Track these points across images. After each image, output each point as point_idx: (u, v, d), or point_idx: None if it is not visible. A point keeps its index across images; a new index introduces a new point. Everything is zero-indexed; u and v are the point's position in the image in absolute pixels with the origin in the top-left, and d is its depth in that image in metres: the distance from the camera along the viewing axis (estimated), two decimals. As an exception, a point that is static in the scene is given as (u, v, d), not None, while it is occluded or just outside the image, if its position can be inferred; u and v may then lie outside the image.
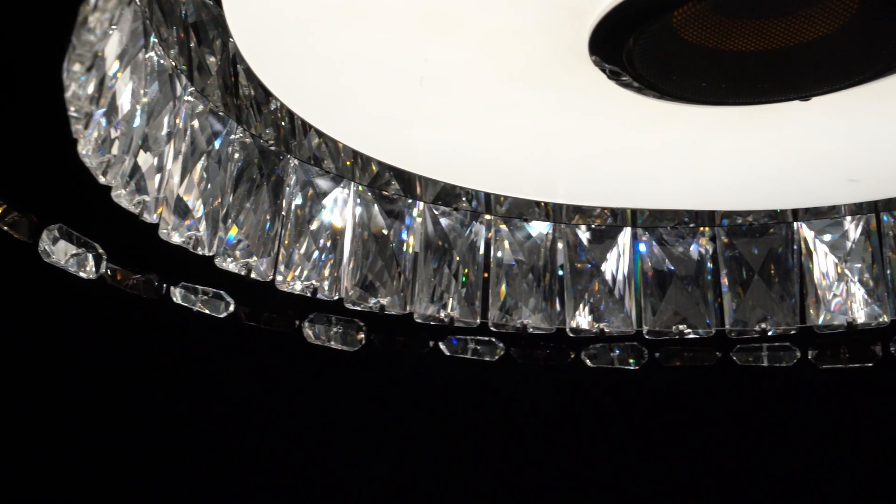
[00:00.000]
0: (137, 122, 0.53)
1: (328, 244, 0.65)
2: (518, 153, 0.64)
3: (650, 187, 0.67)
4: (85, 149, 0.49)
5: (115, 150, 0.52)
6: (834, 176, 0.64)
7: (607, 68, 0.54)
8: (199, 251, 0.57)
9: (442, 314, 0.69)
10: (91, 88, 0.50)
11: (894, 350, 0.71)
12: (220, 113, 0.57)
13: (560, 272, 0.71)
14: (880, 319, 0.68)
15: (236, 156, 0.59)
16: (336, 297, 0.66)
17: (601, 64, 0.54)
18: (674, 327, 0.71)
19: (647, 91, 0.55)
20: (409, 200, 0.68)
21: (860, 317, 0.69)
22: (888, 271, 0.68)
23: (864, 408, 0.90)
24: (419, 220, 0.69)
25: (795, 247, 0.70)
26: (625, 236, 0.73)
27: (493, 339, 0.73)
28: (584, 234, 0.73)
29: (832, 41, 0.51)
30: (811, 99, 0.54)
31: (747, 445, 0.93)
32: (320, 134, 0.64)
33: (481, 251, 0.70)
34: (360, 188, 0.66)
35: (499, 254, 0.71)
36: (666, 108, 0.59)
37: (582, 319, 0.72)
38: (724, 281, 0.71)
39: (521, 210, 0.71)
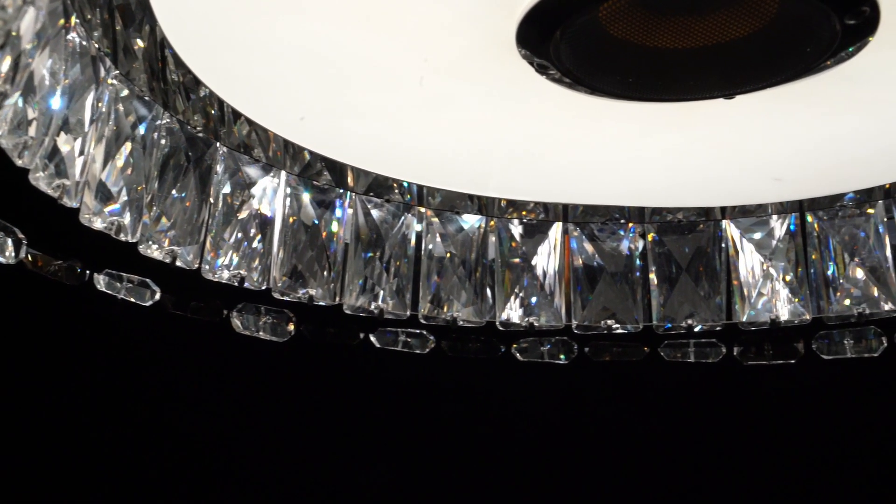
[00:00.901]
0: (58, 103, 0.52)
1: (257, 233, 0.65)
2: (450, 146, 0.65)
3: (582, 183, 0.67)
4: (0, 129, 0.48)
5: (32, 132, 0.51)
6: (760, 175, 0.65)
7: (535, 62, 0.54)
8: (122, 237, 0.56)
9: (372, 306, 0.69)
10: (5, 66, 0.48)
11: (816, 347, 0.72)
12: (146, 98, 0.56)
13: (491, 266, 0.71)
14: (803, 317, 0.69)
15: (163, 142, 0.58)
16: (264, 287, 0.66)
17: (529, 57, 0.54)
18: (602, 322, 0.72)
19: (575, 86, 0.56)
20: (341, 191, 0.68)
21: (784, 314, 0.70)
22: (811, 270, 0.69)
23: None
24: (350, 211, 0.68)
25: (723, 245, 0.71)
26: (556, 231, 0.73)
27: (425, 332, 0.73)
28: (516, 229, 0.73)
29: (754, 41, 0.52)
30: (735, 97, 0.55)
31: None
32: (251, 122, 0.63)
33: (413, 243, 0.70)
34: (290, 178, 0.66)
35: (430, 246, 0.71)
36: (595, 103, 0.59)
37: (512, 313, 0.73)
38: (653, 277, 0.71)
39: (454, 203, 0.71)
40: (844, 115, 0.58)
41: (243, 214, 0.64)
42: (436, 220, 0.71)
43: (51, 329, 0.82)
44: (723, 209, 0.69)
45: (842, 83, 0.55)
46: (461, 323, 0.70)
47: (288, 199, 0.66)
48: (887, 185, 0.66)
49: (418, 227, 0.70)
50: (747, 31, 0.52)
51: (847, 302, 0.68)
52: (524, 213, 0.71)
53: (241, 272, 0.64)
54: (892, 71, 0.54)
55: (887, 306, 0.67)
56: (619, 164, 0.64)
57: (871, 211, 0.68)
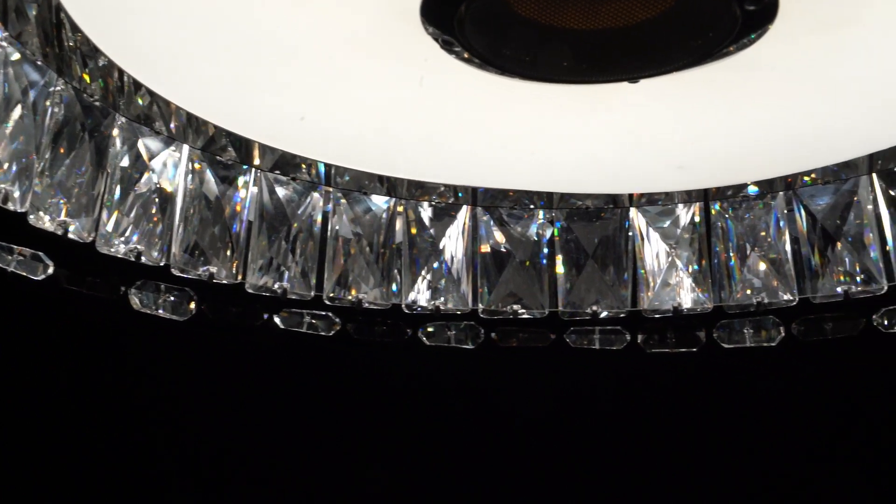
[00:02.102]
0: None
1: (156, 208, 0.63)
2: (357, 124, 0.64)
3: (490, 166, 0.67)
4: None
5: None
6: (664, 162, 0.65)
7: (441, 39, 0.53)
8: (10, 206, 0.54)
9: (276, 286, 0.68)
10: None
11: (717, 336, 0.73)
12: (39, 63, 0.55)
13: (398, 248, 0.71)
14: (705, 306, 0.70)
15: (56, 110, 0.56)
16: (163, 263, 0.64)
17: (436, 34, 0.53)
18: (509, 308, 0.72)
19: (483, 65, 0.55)
20: (246, 167, 0.66)
21: (686, 303, 0.71)
22: (714, 260, 0.70)
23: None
24: (255, 188, 0.67)
25: (629, 233, 0.71)
26: (465, 215, 0.73)
27: (330, 314, 0.73)
28: (424, 211, 0.73)
29: (659, 25, 0.52)
30: (640, 81, 0.55)
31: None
32: (152, 93, 0.62)
33: (319, 223, 0.69)
34: (193, 152, 0.64)
35: (337, 227, 0.70)
36: (504, 83, 0.59)
37: (418, 296, 0.72)
38: (560, 263, 0.71)
39: (362, 183, 0.70)
40: (747, 104, 0.58)
41: (142, 188, 0.62)
42: (343, 200, 0.70)
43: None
44: (630, 197, 0.70)
45: (744, 71, 0.55)
46: (366, 305, 0.69)
47: (190, 175, 0.64)
48: (789, 179, 0.67)
49: (325, 207, 0.69)
50: (652, 15, 0.52)
51: (748, 292, 0.69)
52: (433, 195, 0.71)
53: (139, 247, 0.62)
54: (793, 61, 0.54)
55: (786, 297, 0.68)
56: (527, 147, 0.64)
57: (772, 202, 0.69)
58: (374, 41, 0.55)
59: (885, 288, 0.65)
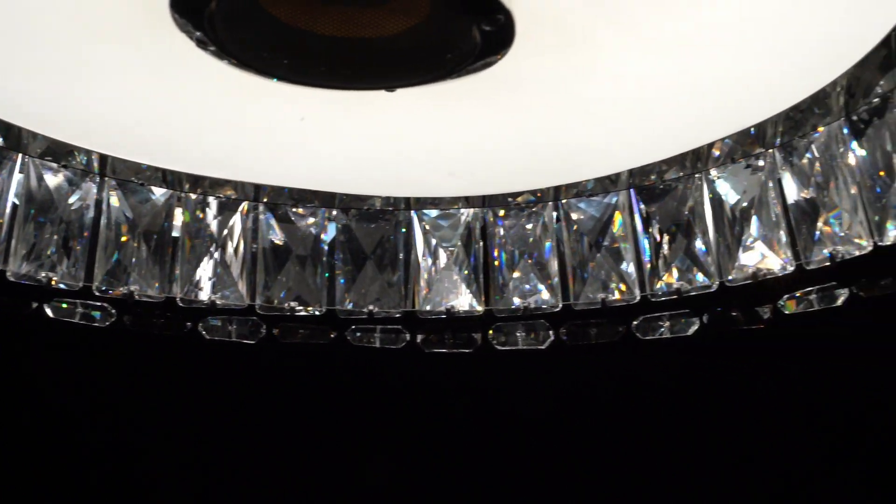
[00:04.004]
0: None
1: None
2: (125, 115, 0.63)
3: (261, 164, 0.67)
4: None
5: None
6: (437, 169, 0.67)
7: (195, 36, 0.53)
8: None
9: (41, 275, 0.67)
10: None
11: (492, 338, 0.76)
12: None
13: (176, 241, 0.71)
14: (476, 309, 0.72)
15: None
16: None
17: (189, 31, 0.53)
18: (286, 304, 0.72)
19: (240, 65, 0.56)
20: (12, 153, 0.65)
21: (460, 305, 0.73)
22: (487, 265, 0.72)
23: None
24: (22, 174, 0.66)
25: (408, 235, 0.73)
26: (245, 210, 0.73)
27: (107, 305, 0.72)
28: (204, 205, 0.72)
29: (411, 37, 0.53)
30: (396, 90, 0.57)
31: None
32: None
33: (91, 212, 0.69)
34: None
35: (111, 217, 0.69)
36: (266, 85, 0.59)
37: (195, 290, 0.72)
38: (339, 262, 0.73)
39: (141, 174, 0.69)
40: (504, 116, 0.60)
41: None
42: (118, 190, 0.69)
43: None
44: (408, 200, 0.72)
45: (496, 86, 0.57)
46: (138, 297, 0.69)
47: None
48: (559, 189, 0.70)
49: (99, 196, 0.68)
50: (403, 28, 0.53)
51: (516, 297, 0.72)
52: (214, 190, 0.71)
53: None
54: (541, 78, 0.57)
55: (551, 302, 0.71)
56: (296, 148, 0.65)
57: (541, 212, 0.71)
58: (128, 33, 0.55)
59: (639, 297, 0.69)
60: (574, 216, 0.70)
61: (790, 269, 0.63)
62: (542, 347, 0.75)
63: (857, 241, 0.60)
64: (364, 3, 0.53)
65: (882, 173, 0.57)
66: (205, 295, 0.71)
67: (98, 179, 0.67)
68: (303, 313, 0.72)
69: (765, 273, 0.64)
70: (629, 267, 0.68)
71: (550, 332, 0.74)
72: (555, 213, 0.70)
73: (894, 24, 0.54)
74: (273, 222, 0.72)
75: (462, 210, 0.72)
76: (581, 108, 0.60)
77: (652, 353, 0.76)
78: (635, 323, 0.72)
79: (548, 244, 0.71)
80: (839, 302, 0.65)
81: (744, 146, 0.64)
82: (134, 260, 0.69)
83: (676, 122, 0.63)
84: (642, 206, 0.67)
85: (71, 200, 0.67)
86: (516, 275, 0.72)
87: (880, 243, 0.57)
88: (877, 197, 0.57)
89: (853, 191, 0.59)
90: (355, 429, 0.95)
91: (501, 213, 0.71)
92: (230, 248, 0.72)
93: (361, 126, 0.63)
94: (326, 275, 0.72)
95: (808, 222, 0.61)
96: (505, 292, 0.72)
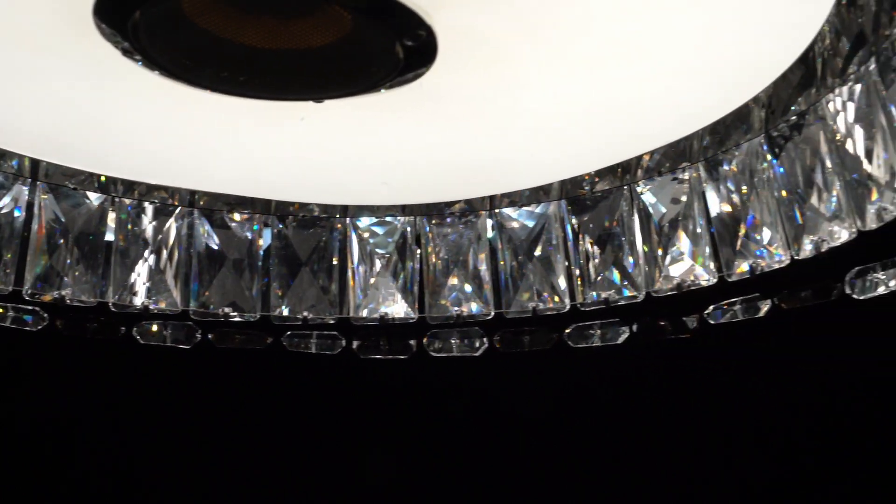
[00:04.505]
0: None
1: None
2: (58, 121, 0.63)
3: (195, 170, 0.67)
4: None
5: None
6: (371, 178, 0.68)
7: (120, 45, 0.54)
8: None
9: (-33, 279, 0.67)
10: None
11: (427, 344, 0.76)
12: None
13: (109, 246, 0.71)
14: (410, 316, 0.73)
15: None
16: None
17: (115, 40, 0.53)
18: (221, 310, 0.73)
19: (167, 75, 0.56)
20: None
21: (394, 312, 0.73)
22: (421, 272, 0.73)
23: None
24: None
25: (343, 242, 0.74)
26: (180, 215, 0.73)
27: (38, 309, 0.72)
28: (138, 210, 0.73)
29: (336, 50, 0.54)
30: (324, 101, 0.57)
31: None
32: None
33: (23, 217, 0.69)
34: None
35: (42, 221, 0.69)
36: (198, 94, 0.59)
37: (128, 295, 0.72)
38: (274, 269, 0.73)
39: (72, 178, 0.69)
40: (433, 127, 0.61)
41: None
42: (50, 194, 0.69)
43: None
44: (343, 208, 0.72)
45: (424, 98, 0.58)
46: (69, 302, 0.69)
47: None
48: (493, 199, 0.71)
49: (30, 200, 0.68)
50: (328, 41, 0.54)
51: (449, 304, 0.73)
52: (148, 194, 0.71)
53: None
54: (468, 91, 0.57)
55: (484, 310, 0.72)
56: (225, 155, 0.65)
57: (475, 221, 0.72)
58: (56, 42, 0.55)
59: (569, 307, 0.70)
60: (507, 226, 0.71)
61: (713, 280, 0.64)
62: (476, 355, 0.76)
63: (776, 254, 0.61)
64: (288, 16, 0.54)
65: (799, 189, 0.58)
66: (139, 300, 0.71)
67: (29, 183, 0.67)
68: (237, 319, 0.72)
69: (689, 284, 0.65)
70: (560, 276, 0.69)
71: (485, 340, 0.75)
72: (489, 223, 0.71)
73: (809, 43, 0.55)
74: (208, 228, 0.72)
75: (397, 218, 0.73)
76: (510, 121, 0.61)
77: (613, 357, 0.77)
78: (567, 331, 0.73)
79: (482, 253, 0.72)
80: (762, 313, 0.66)
81: (670, 160, 0.65)
82: (68, 263, 0.69)
83: (605, 135, 0.64)
84: (573, 217, 0.68)
85: (1, 204, 0.66)
86: (450, 283, 0.73)
87: (797, 257, 0.59)
88: (794, 212, 0.58)
89: (772, 205, 0.60)
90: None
91: (436, 221, 0.72)
92: (164, 254, 0.72)
93: (294, 135, 0.64)
94: (263, 280, 0.72)
95: (729, 235, 0.63)
96: (439, 300, 0.73)
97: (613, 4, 0.54)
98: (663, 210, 0.66)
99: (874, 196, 0.53)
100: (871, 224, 0.54)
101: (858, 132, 0.53)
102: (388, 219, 0.73)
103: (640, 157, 0.66)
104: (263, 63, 0.55)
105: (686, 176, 0.64)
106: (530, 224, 0.71)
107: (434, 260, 0.73)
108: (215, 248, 0.72)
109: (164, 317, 0.73)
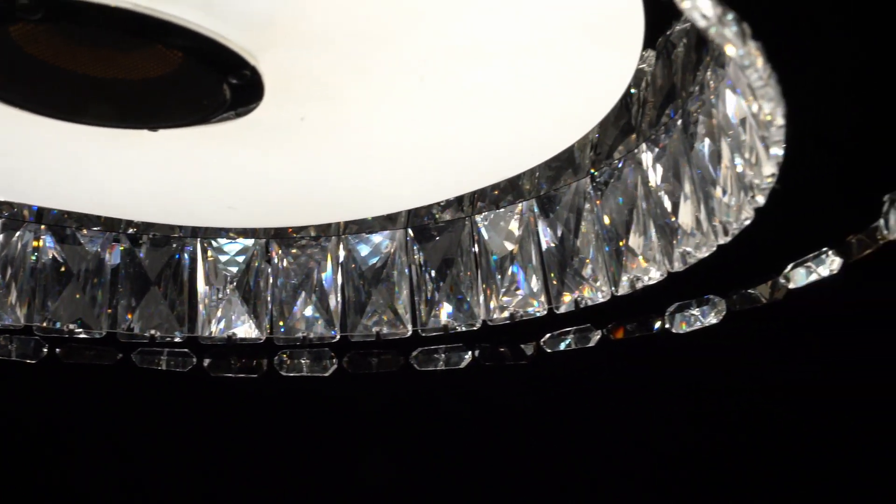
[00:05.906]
0: None
1: None
2: None
3: (43, 189, 0.68)
4: None
5: None
6: (218, 201, 0.69)
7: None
8: None
9: None
10: None
11: (277, 364, 0.78)
12: None
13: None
14: (255, 335, 0.74)
15: None
16: None
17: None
18: (66, 326, 0.73)
19: (2, 100, 0.56)
20: None
21: (242, 332, 0.75)
22: (268, 292, 0.75)
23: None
24: None
25: (193, 263, 0.74)
26: (27, 231, 0.73)
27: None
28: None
29: (169, 83, 0.55)
30: (159, 130, 0.58)
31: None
32: None
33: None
34: None
35: None
36: (39, 119, 0.60)
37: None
38: (123, 287, 0.73)
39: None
40: (270, 157, 0.62)
41: None
42: None
43: None
44: (193, 229, 0.73)
45: (258, 130, 0.59)
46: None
47: None
48: (340, 225, 0.72)
49: None
50: (160, 73, 0.55)
51: (299, 326, 0.74)
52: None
53: None
54: (298, 125, 0.59)
55: (331, 333, 0.74)
56: (81, 177, 0.65)
57: (326, 245, 0.74)
58: None
59: (410, 331, 0.72)
60: (354, 252, 0.73)
61: (543, 312, 0.67)
62: (326, 375, 0.78)
63: (600, 289, 0.64)
64: (121, 48, 0.55)
65: (618, 229, 0.61)
66: (-12, 314, 0.71)
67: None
68: (83, 335, 0.73)
69: (521, 315, 0.67)
70: (403, 302, 0.71)
71: (334, 360, 0.76)
72: (339, 248, 0.73)
73: (625, 90, 0.58)
74: (55, 244, 0.72)
75: (247, 240, 0.74)
76: (347, 154, 0.62)
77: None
78: (414, 354, 0.75)
79: (328, 277, 0.74)
80: (592, 343, 0.69)
81: (508, 195, 0.68)
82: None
83: (444, 169, 0.66)
84: (416, 246, 0.70)
85: None
86: (297, 305, 0.74)
87: (616, 293, 0.62)
88: (613, 250, 0.61)
89: (596, 244, 0.63)
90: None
91: (285, 245, 0.74)
92: (10, 270, 0.72)
93: (142, 160, 0.65)
94: (111, 298, 0.73)
95: (558, 269, 0.65)
96: (286, 322, 0.74)
97: (443, 49, 0.56)
98: (499, 242, 0.68)
99: (680, 241, 0.56)
100: (678, 266, 0.57)
101: (667, 182, 0.56)
102: (238, 241, 0.74)
103: (480, 191, 0.68)
104: (99, 92, 0.56)
105: (520, 207, 0.67)
106: (376, 251, 0.73)
107: (282, 282, 0.74)
108: (62, 264, 0.72)
109: (10, 331, 0.74)
